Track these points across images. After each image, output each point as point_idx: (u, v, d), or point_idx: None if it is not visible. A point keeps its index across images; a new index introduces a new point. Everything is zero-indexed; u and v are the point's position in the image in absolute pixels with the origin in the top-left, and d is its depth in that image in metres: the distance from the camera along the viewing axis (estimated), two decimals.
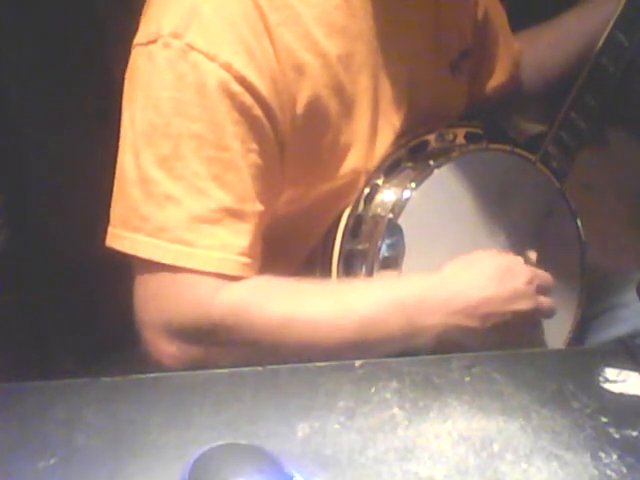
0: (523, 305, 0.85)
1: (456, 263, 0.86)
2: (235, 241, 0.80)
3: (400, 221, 0.88)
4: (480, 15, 1.07)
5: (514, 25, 1.13)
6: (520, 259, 0.90)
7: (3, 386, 0.71)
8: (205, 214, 0.78)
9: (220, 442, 0.61)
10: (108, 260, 0.80)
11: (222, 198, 0.79)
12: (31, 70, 1.04)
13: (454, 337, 0.82)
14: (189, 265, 0.78)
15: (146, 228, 0.78)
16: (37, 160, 1.07)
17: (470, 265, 0.86)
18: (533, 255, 0.94)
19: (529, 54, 1.14)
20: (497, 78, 1.11)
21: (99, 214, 0.82)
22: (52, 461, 0.62)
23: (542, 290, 0.88)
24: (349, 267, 0.89)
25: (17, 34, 1.02)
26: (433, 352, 0.80)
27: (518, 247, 0.94)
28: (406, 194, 0.89)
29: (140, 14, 0.84)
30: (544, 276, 0.89)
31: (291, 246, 0.93)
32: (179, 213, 0.78)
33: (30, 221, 1.09)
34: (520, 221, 0.96)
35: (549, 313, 0.90)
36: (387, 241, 0.88)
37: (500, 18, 1.10)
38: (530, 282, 0.86)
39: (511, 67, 1.12)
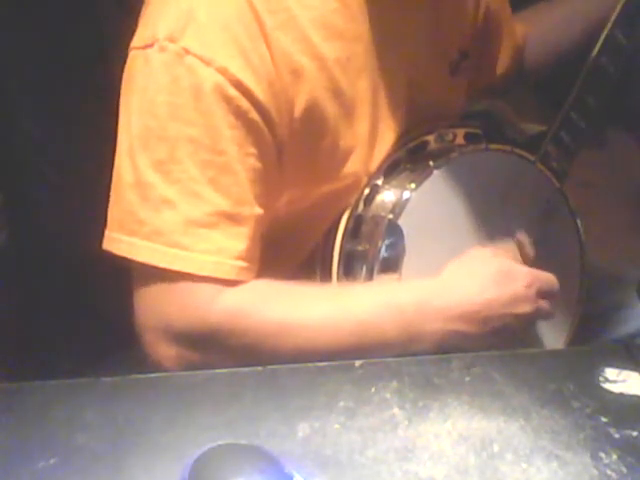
0: (523, 309, 0.85)
1: (454, 265, 0.86)
2: (232, 245, 0.80)
3: (400, 222, 0.88)
4: (481, 15, 1.07)
5: (516, 5, 1.13)
6: (518, 255, 0.90)
7: (3, 386, 0.71)
8: (201, 218, 0.78)
9: (220, 442, 0.61)
10: (108, 260, 0.80)
11: (218, 202, 0.79)
12: (31, 70, 1.04)
13: (453, 342, 0.82)
14: (185, 269, 0.78)
15: (142, 232, 0.78)
16: (37, 160, 1.07)
17: (468, 267, 0.86)
18: (523, 237, 0.93)
19: (533, 35, 1.14)
20: (498, 72, 1.11)
21: (99, 214, 0.82)
22: (52, 461, 0.62)
23: (543, 293, 0.88)
24: (349, 268, 0.89)
25: (17, 34, 1.02)
26: (433, 352, 0.80)
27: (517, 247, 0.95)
28: (406, 195, 0.89)
29: (139, 15, 0.84)
30: (545, 278, 0.89)
31: (291, 247, 0.93)
32: (175, 217, 0.78)
33: (30, 221, 1.09)
34: (520, 221, 0.96)
35: (547, 316, 0.90)
36: (387, 242, 0.88)
37: (503, 8, 1.10)
38: (530, 285, 0.86)
39: (512, 59, 1.12)
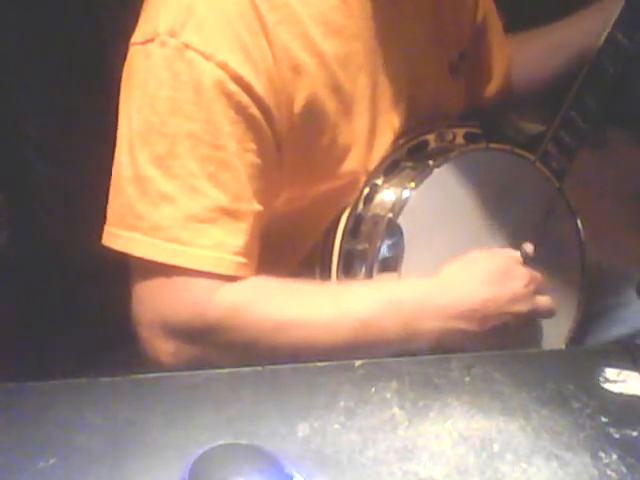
0: (521, 307, 0.85)
1: (453, 265, 0.86)
2: (231, 240, 0.80)
3: (400, 221, 0.88)
4: (479, 18, 1.07)
5: (508, 29, 1.14)
6: (518, 258, 0.90)
7: (3, 386, 0.71)
8: (200, 213, 0.78)
9: (220, 442, 0.61)
10: (108, 260, 0.80)
11: (217, 197, 0.79)
12: (31, 70, 1.04)
13: (453, 341, 0.82)
14: (184, 264, 0.78)
15: (141, 227, 0.78)
16: (37, 160, 1.07)
17: (468, 267, 0.86)
18: (530, 248, 0.93)
19: (518, 61, 1.14)
20: (494, 81, 1.12)
21: (99, 214, 0.82)
22: (52, 461, 0.62)
23: (540, 291, 0.88)
24: (349, 267, 0.89)
25: (17, 34, 1.02)
26: (433, 352, 0.80)
27: (517, 247, 0.94)
28: (406, 194, 0.89)
29: (139, 13, 0.84)
30: (539, 277, 0.89)
31: (290, 245, 0.93)
32: (174, 212, 0.78)
33: (30, 221, 1.09)
34: (520, 221, 0.96)
35: (548, 313, 0.90)
36: (387, 241, 0.88)
37: (496, 25, 1.11)
38: (528, 284, 0.86)
39: (506, 71, 1.12)
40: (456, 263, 0.86)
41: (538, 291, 0.88)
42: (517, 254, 0.91)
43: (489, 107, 1.12)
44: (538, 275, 0.89)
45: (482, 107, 1.10)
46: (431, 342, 0.81)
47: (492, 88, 1.11)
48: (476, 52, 1.07)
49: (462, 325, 0.82)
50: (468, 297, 0.83)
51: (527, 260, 0.92)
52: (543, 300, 0.88)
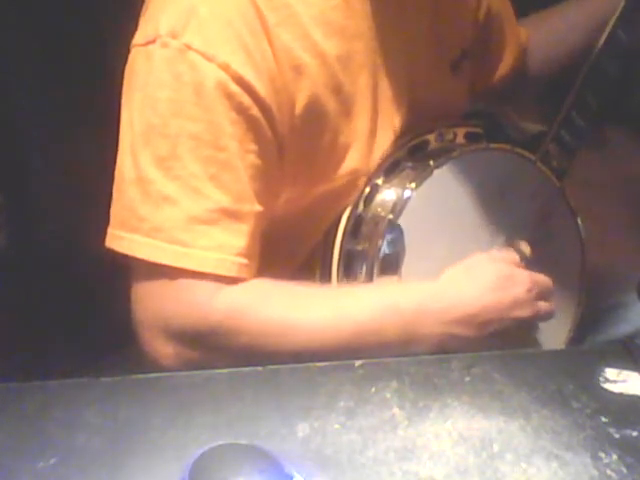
0: (523, 312, 0.85)
1: (455, 269, 0.86)
2: (232, 242, 0.80)
3: (400, 221, 0.88)
4: (482, 13, 1.07)
5: (518, 12, 1.14)
6: (518, 260, 0.90)
7: (3, 386, 0.71)
8: (202, 214, 0.78)
9: (220, 442, 0.61)
10: (108, 260, 0.80)
11: (219, 198, 0.79)
12: (31, 70, 1.04)
13: (452, 345, 0.82)
14: (186, 266, 0.78)
15: (143, 228, 0.78)
16: (37, 160, 1.07)
17: (469, 272, 0.86)
18: (526, 247, 0.93)
19: (534, 41, 1.14)
20: (500, 72, 1.12)
21: (99, 214, 0.82)
22: (52, 461, 0.62)
23: (542, 296, 0.88)
24: (349, 267, 0.89)
25: (17, 34, 1.02)
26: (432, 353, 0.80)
27: (518, 247, 0.95)
28: (406, 194, 0.89)
29: (140, 14, 0.84)
30: (543, 281, 0.89)
31: (291, 246, 0.93)
32: (176, 213, 0.78)
33: (30, 221, 1.09)
34: (520, 221, 0.96)
35: (547, 317, 0.90)
36: (387, 241, 0.88)
37: (505, 9, 1.10)
38: (530, 289, 0.86)
39: (516, 58, 1.12)
40: (457, 268, 0.86)
41: (541, 295, 0.88)
42: (517, 256, 0.91)
43: (497, 95, 1.12)
44: (541, 278, 0.89)
45: (489, 96, 1.10)
46: (430, 346, 0.81)
47: (498, 78, 1.11)
48: (481, 48, 1.07)
49: (461, 330, 0.82)
50: (468, 302, 0.83)
51: (524, 259, 0.92)
52: (544, 304, 0.88)
